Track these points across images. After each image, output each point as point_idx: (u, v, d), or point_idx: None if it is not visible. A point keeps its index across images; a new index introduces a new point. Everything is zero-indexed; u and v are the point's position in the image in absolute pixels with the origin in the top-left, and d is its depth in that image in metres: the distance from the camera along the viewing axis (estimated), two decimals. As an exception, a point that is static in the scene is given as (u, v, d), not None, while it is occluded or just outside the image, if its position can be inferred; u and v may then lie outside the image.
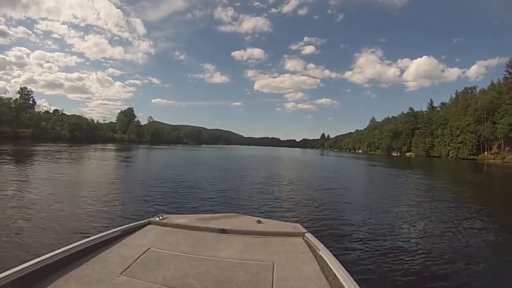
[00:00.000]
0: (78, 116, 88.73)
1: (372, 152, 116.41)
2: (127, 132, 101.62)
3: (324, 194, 9.83)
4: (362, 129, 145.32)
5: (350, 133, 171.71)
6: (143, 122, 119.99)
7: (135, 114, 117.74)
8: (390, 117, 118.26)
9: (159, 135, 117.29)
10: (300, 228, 2.12)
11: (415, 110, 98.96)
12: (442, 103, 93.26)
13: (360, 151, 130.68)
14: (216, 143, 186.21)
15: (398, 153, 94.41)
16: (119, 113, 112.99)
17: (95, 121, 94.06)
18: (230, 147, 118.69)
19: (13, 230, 4.43)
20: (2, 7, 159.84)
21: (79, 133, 75.82)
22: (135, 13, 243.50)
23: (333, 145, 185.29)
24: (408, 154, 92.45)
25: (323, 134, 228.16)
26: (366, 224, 5.85)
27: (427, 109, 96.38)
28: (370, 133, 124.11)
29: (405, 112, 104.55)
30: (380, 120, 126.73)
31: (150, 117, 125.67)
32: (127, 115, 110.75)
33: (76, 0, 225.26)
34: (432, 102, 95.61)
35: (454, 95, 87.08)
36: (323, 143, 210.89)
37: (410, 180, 17.32)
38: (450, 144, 73.83)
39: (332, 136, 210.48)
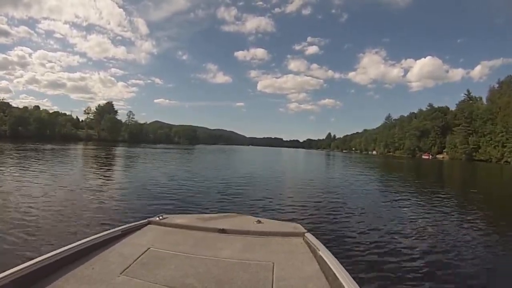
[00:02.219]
0: (25, 108, 73.17)
1: (390, 153, 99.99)
2: (96, 129, 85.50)
3: (327, 195, 9.57)
4: (373, 128, 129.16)
5: (358, 133, 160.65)
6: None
7: (116, 110, 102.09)
8: (411, 112, 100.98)
9: (142, 133, 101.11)
10: (300, 228, 2.10)
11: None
12: (471, 97, 76.03)
13: (374, 152, 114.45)
14: (216, 143, 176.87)
15: (430, 156, 77.10)
16: (96, 108, 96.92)
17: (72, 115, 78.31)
18: (228, 148, 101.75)
19: (12, 232, 4.29)
20: (4, 6, 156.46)
21: (24, 128, 60.19)
22: (138, 13, 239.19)
23: (341, 146, 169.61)
24: (440, 156, 75.63)
25: (329, 134, 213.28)
26: (367, 225, 5.76)
27: (457, 104, 79.43)
28: (386, 132, 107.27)
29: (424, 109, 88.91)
30: (397, 117, 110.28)
31: (130, 111, 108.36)
32: (103, 111, 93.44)
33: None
34: (469, 92, 77.98)
35: (496, 85, 69.89)
36: (329, 144, 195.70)
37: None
38: (506, 144, 56.80)
39: (337, 136, 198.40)
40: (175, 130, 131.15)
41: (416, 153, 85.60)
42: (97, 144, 51.98)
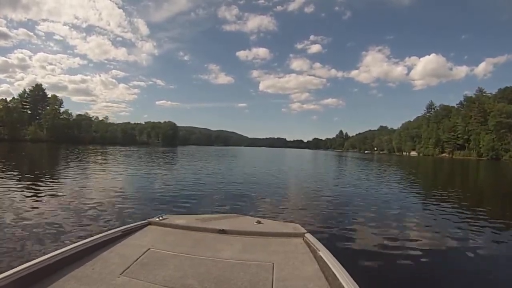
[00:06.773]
0: None
1: (445, 155, 68.54)
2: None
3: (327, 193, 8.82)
4: (409, 120, 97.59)
5: (371, 130, 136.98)
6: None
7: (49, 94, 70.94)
8: (465, 95, 69.21)
9: (81, 129, 69.71)
10: (300, 228, 2.10)
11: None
12: None
13: (413, 153, 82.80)
14: (212, 144, 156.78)
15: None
16: (18, 95, 65.83)
17: None
18: (218, 150, 70.77)
19: (11, 233, 4.17)
20: (2, 8, 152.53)
21: None
22: (138, 13, 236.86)
23: (358, 145, 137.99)
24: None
25: (340, 132, 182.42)
26: (367, 225, 5.42)
27: None
28: (434, 126, 75.81)
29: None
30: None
31: (55, 95, 73.49)
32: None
33: (76, 0, 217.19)
34: None
35: None
36: (341, 143, 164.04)
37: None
38: None
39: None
40: (140, 128, 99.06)
41: (502, 155, 53.80)
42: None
